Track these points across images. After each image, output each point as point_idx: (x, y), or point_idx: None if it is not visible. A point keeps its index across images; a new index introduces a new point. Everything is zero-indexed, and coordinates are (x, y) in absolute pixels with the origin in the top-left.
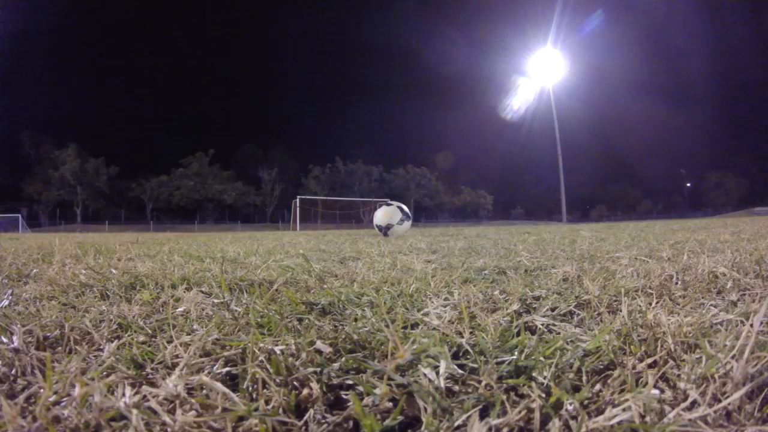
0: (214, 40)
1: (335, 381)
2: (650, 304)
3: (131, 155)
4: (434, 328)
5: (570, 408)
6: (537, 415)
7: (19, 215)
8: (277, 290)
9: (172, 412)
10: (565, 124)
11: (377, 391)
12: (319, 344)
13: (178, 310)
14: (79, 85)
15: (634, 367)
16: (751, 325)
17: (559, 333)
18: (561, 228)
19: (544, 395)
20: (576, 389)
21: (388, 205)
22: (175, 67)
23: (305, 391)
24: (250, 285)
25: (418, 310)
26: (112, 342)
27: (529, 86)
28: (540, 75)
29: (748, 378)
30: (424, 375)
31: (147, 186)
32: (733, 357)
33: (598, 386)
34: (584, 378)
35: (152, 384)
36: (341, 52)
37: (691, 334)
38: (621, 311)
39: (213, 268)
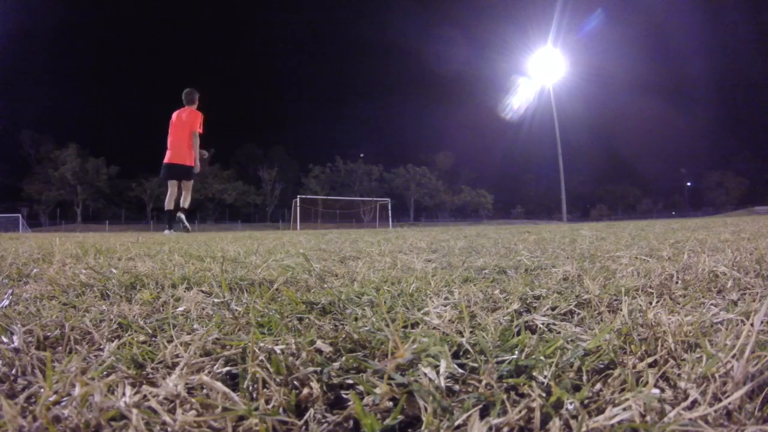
0: (214, 40)
1: (335, 380)
2: (650, 303)
3: (131, 155)
4: (434, 328)
5: (570, 407)
6: (537, 414)
7: (20, 215)
8: (277, 290)
9: (172, 411)
10: (566, 123)
11: (377, 390)
12: (319, 343)
13: (178, 309)
14: (79, 84)
15: (634, 367)
16: (752, 325)
17: (559, 332)
18: (561, 227)
19: (544, 394)
20: (576, 388)
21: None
22: (175, 66)
23: (305, 391)
24: (250, 284)
25: (419, 310)
26: (113, 341)
27: (529, 85)
28: (540, 74)
29: (749, 377)
30: (425, 374)
31: (147, 186)
32: (733, 356)
33: (598, 385)
34: (584, 377)
35: (152, 383)
36: (341, 52)
37: (691, 334)
38: (621, 310)
39: (213, 267)
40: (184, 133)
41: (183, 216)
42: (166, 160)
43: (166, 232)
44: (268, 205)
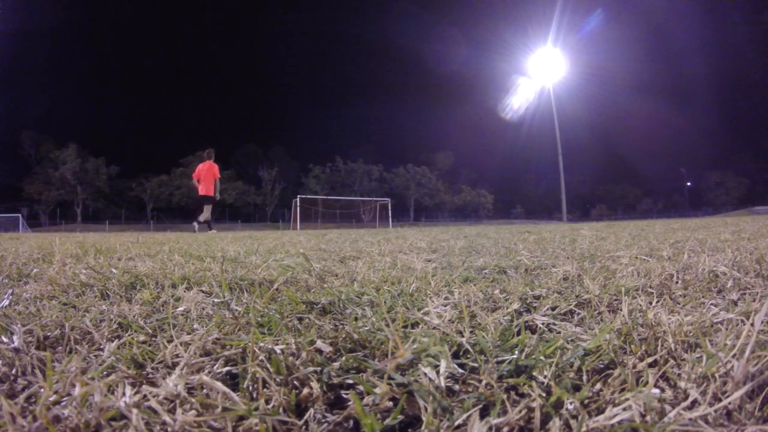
0: (214, 40)
1: (335, 380)
2: (651, 303)
3: (131, 155)
4: (434, 328)
5: (570, 407)
6: (537, 414)
7: (20, 215)
8: (277, 289)
9: (172, 411)
10: (566, 123)
11: (377, 390)
12: (319, 343)
13: (178, 309)
14: (79, 85)
15: (634, 367)
16: (752, 324)
17: (559, 332)
18: (561, 227)
19: (544, 394)
20: (576, 388)
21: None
22: (176, 66)
23: (305, 391)
24: (250, 284)
25: (419, 310)
26: (113, 341)
27: (529, 85)
28: (540, 74)
29: (749, 377)
30: (425, 374)
31: (147, 186)
32: (733, 356)
33: (598, 385)
34: (585, 377)
35: (152, 383)
36: (341, 52)
37: (691, 333)
38: (621, 310)
39: (213, 267)
40: (211, 178)
41: (209, 224)
42: (201, 192)
43: (196, 226)
44: (268, 205)
